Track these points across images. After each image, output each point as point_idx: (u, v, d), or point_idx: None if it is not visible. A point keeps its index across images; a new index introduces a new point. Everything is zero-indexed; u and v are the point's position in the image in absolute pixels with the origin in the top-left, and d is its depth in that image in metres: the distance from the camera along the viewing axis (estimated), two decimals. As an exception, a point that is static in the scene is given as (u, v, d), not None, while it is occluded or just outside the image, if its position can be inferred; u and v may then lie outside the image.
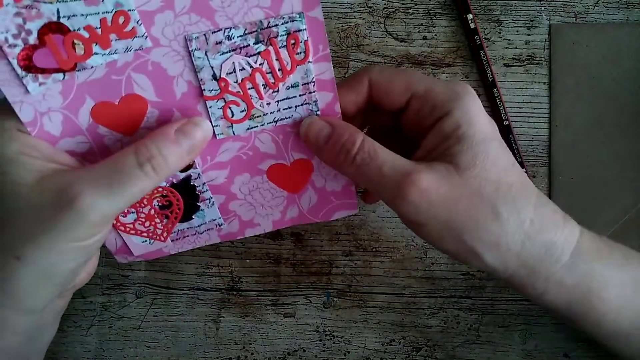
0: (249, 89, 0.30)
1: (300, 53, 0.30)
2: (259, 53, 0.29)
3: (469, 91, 0.30)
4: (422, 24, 0.42)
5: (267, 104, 0.31)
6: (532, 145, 0.41)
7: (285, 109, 0.31)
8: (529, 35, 0.41)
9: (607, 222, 0.40)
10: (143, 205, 0.33)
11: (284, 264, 0.42)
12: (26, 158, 0.27)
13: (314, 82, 0.31)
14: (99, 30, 0.26)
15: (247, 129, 0.32)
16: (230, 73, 0.29)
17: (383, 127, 0.35)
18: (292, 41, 0.29)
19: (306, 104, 0.31)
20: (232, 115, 0.31)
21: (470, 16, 0.41)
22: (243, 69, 0.29)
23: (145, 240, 0.35)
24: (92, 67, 0.27)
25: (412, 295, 0.42)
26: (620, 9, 0.41)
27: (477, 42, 0.41)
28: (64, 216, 0.26)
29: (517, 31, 0.42)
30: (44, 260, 0.27)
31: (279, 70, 0.30)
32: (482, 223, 0.28)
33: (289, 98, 0.31)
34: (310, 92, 0.31)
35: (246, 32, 0.28)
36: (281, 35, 0.29)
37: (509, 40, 0.42)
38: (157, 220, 0.34)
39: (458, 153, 0.28)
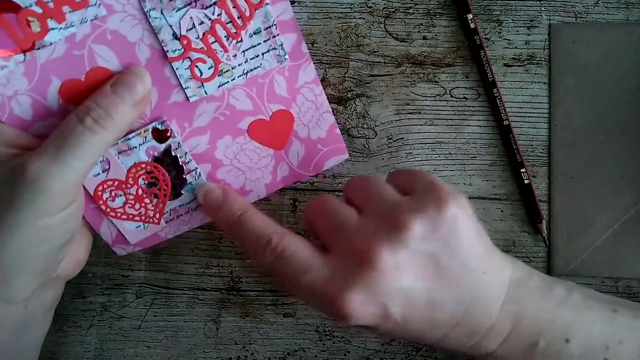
0: (212, 42, 0.29)
1: None
2: (215, 3, 0.28)
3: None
4: (422, 24, 0.42)
5: (233, 56, 0.30)
6: (532, 145, 0.41)
7: (253, 58, 0.31)
8: (529, 35, 0.41)
9: (607, 222, 0.40)
10: (129, 186, 0.32)
11: (284, 264, 0.42)
12: None
13: (275, 24, 0.30)
14: (51, 4, 0.26)
15: (219, 86, 0.31)
16: (190, 29, 0.29)
17: None
18: None
19: (272, 49, 0.31)
20: (201, 74, 0.30)
21: (470, 16, 0.41)
22: (202, 22, 0.29)
23: (139, 225, 0.34)
24: (51, 43, 0.27)
25: (412, 295, 0.42)
26: (620, 9, 0.41)
27: (477, 42, 0.41)
28: (19, 188, 0.25)
29: (517, 31, 0.42)
30: (12, 244, 0.26)
31: (238, 18, 0.29)
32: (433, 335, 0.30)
33: (254, 46, 0.30)
34: (274, 36, 0.30)
35: None
36: None
37: (509, 40, 0.42)
38: (147, 200, 0.33)
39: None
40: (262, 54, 0.31)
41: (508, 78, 0.41)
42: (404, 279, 0.28)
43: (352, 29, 0.42)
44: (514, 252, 0.42)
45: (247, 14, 0.29)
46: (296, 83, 0.32)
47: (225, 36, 0.30)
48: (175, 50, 0.29)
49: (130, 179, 0.32)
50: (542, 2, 0.41)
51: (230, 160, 0.34)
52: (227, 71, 0.31)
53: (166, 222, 0.35)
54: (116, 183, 0.32)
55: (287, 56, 0.31)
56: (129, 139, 0.31)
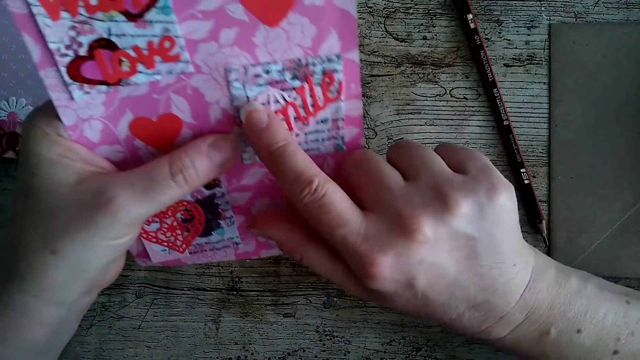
0: (280, 120, 0.31)
1: (334, 91, 0.30)
2: (294, 88, 0.30)
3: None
4: (422, 24, 0.42)
5: (295, 135, 0.32)
6: (532, 145, 0.41)
7: (313, 141, 0.32)
8: (529, 35, 0.41)
9: (607, 222, 0.40)
10: (167, 217, 0.34)
11: (284, 264, 0.42)
12: (67, 161, 0.28)
13: (343, 118, 0.31)
14: (145, 52, 0.28)
15: None
16: (264, 104, 0.30)
17: None
18: (327, 80, 0.30)
19: (333, 138, 0.32)
20: None
21: (470, 16, 0.41)
22: (277, 101, 0.30)
23: (165, 250, 0.36)
24: (135, 83, 0.29)
25: (412, 295, 0.42)
26: (620, 9, 0.41)
27: (477, 42, 0.41)
28: (99, 216, 0.27)
29: (517, 31, 0.42)
30: (78, 255, 0.28)
31: (311, 105, 0.31)
32: (450, 307, 0.30)
33: (317, 132, 0.32)
34: (339, 128, 0.32)
35: (284, 68, 0.29)
36: (317, 74, 0.29)
37: (509, 40, 0.42)
38: (179, 232, 0.35)
39: None
40: (323, 139, 0.32)
41: (508, 78, 0.41)
42: (439, 255, 0.28)
43: (352, 29, 0.42)
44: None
45: (321, 104, 0.31)
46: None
47: (294, 117, 0.31)
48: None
49: (170, 211, 0.34)
50: (542, 2, 0.41)
51: None
52: None
53: (189, 253, 0.37)
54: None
55: (344, 147, 0.32)
56: None
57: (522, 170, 0.40)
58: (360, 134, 0.32)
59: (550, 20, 0.41)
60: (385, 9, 0.42)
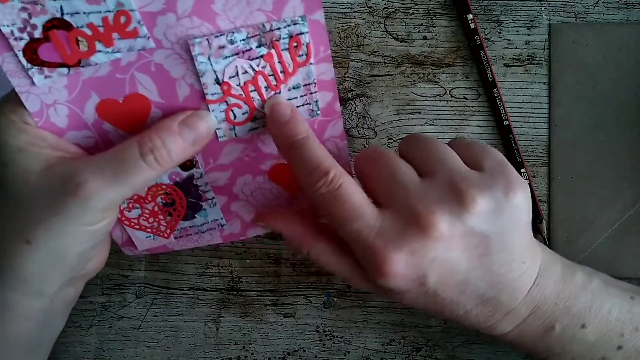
0: (251, 91, 0.30)
1: (302, 55, 0.30)
2: (261, 56, 0.29)
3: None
4: (422, 24, 0.42)
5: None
6: (532, 145, 0.41)
7: None
8: (529, 35, 0.41)
9: (607, 222, 0.40)
10: (147, 202, 0.34)
11: (284, 264, 0.42)
12: (35, 148, 0.28)
13: (314, 82, 0.31)
14: (101, 29, 0.27)
15: (249, 131, 0.32)
16: (233, 77, 0.30)
17: None
18: (294, 44, 0.29)
19: (307, 104, 0.31)
20: (235, 118, 0.31)
21: (470, 16, 0.41)
22: (246, 72, 0.30)
23: (150, 236, 0.35)
24: (96, 63, 0.28)
25: (412, 295, 0.42)
26: (620, 9, 0.41)
27: (477, 42, 0.41)
28: (70, 203, 0.27)
29: (517, 31, 0.42)
30: (53, 243, 0.28)
31: (280, 72, 0.30)
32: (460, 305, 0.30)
33: (290, 99, 0.31)
34: (312, 93, 0.31)
35: (249, 35, 0.28)
36: (283, 39, 0.29)
37: (509, 40, 0.42)
38: (161, 217, 0.34)
39: None
40: (297, 106, 0.32)
41: (508, 78, 0.41)
42: (452, 252, 0.28)
43: (352, 29, 0.42)
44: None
45: (291, 70, 0.30)
46: (322, 136, 0.33)
47: (265, 87, 0.30)
48: (215, 93, 0.30)
49: (149, 196, 0.33)
50: (542, 2, 0.41)
51: (247, 196, 0.35)
52: (260, 118, 0.32)
53: (175, 238, 0.36)
54: (135, 197, 0.33)
55: (319, 112, 0.32)
56: None
57: (522, 170, 0.40)
58: (334, 99, 0.31)
59: (550, 20, 0.41)
60: (385, 9, 0.42)
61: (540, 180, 0.41)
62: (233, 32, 0.28)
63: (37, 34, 0.26)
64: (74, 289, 0.33)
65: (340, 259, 0.30)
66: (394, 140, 0.42)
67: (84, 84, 0.29)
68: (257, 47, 0.29)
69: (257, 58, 0.29)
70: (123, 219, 0.34)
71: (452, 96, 0.42)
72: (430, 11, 0.42)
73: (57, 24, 0.26)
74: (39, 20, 0.26)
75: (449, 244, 0.28)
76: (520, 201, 0.29)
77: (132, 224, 0.34)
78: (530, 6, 0.41)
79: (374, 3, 0.42)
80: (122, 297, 0.42)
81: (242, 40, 0.28)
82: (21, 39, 0.26)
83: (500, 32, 0.42)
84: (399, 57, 0.42)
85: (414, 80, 0.42)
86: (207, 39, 0.28)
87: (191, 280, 0.42)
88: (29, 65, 0.27)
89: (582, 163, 0.41)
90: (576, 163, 0.41)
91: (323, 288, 0.42)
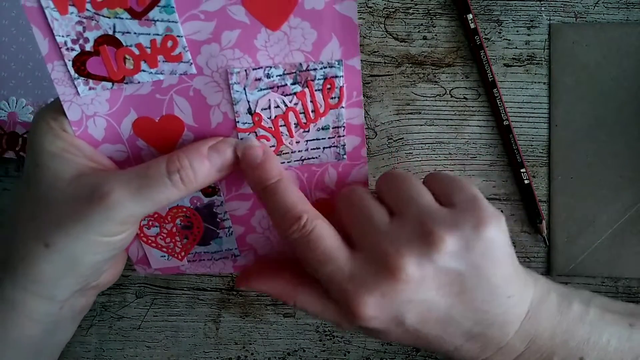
0: (281, 126, 0.31)
1: (335, 98, 0.30)
2: (294, 93, 0.30)
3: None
4: (422, 24, 0.42)
5: (296, 142, 0.32)
6: (532, 145, 0.41)
7: (314, 149, 0.32)
8: (529, 35, 0.41)
9: (607, 222, 0.40)
10: (167, 222, 0.34)
11: (284, 264, 0.42)
12: (69, 155, 0.29)
13: (344, 126, 0.31)
14: (148, 50, 0.28)
15: None
16: (265, 109, 0.30)
17: None
18: (328, 86, 0.30)
19: (334, 146, 0.32)
20: None
21: (470, 16, 0.41)
22: (278, 106, 0.30)
23: (164, 256, 0.36)
24: (139, 82, 0.29)
25: (412, 295, 0.42)
26: (620, 9, 0.41)
27: (477, 42, 0.41)
28: (93, 211, 0.27)
29: (517, 31, 0.42)
30: (71, 249, 0.28)
31: (312, 111, 0.31)
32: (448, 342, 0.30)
33: (318, 139, 0.32)
34: (340, 136, 0.32)
35: (285, 72, 0.29)
36: (318, 79, 0.30)
37: (509, 40, 0.42)
38: (178, 238, 0.35)
39: None
40: (323, 147, 0.32)
41: (508, 78, 0.41)
42: (426, 293, 0.28)
43: (352, 29, 0.42)
44: (514, 252, 0.42)
45: (322, 110, 0.31)
46: (346, 179, 0.34)
47: (294, 123, 0.31)
48: (246, 123, 0.31)
49: (170, 216, 0.34)
50: (542, 2, 0.41)
51: (264, 229, 0.36)
52: (285, 153, 0.32)
53: (188, 261, 0.37)
54: (156, 215, 0.34)
55: (345, 156, 0.33)
56: None
57: (522, 170, 0.40)
58: (362, 144, 0.32)
59: (550, 20, 0.41)
60: (385, 9, 0.42)
61: (540, 180, 0.41)
62: (271, 67, 0.29)
63: (88, 47, 0.28)
64: (85, 299, 0.33)
65: (324, 305, 0.30)
66: (394, 140, 0.42)
67: (125, 100, 0.30)
68: (291, 84, 0.30)
69: (290, 95, 0.30)
70: (142, 235, 0.35)
71: (452, 96, 0.42)
72: (430, 11, 0.42)
73: (108, 40, 0.28)
74: (91, 35, 0.27)
75: (421, 285, 0.27)
76: (493, 235, 0.28)
77: (150, 241, 0.35)
78: (530, 6, 0.41)
79: (374, 3, 0.42)
80: (122, 297, 0.42)
81: (279, 75, 0.29)
82: (73, 49, 0.28)
83: (500, 32, 0.42)
84: (399, 57, 0.42)
85: (414, 80, 0.42)
86: (246, 71, 0.29)
87: (191, 280, 0.42)
88: (76, 76, 0.28)
89: (582, 163, 0.41)
90: (576, 163, 0.41)
91: (323, 288, 0.42)
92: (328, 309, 0.30)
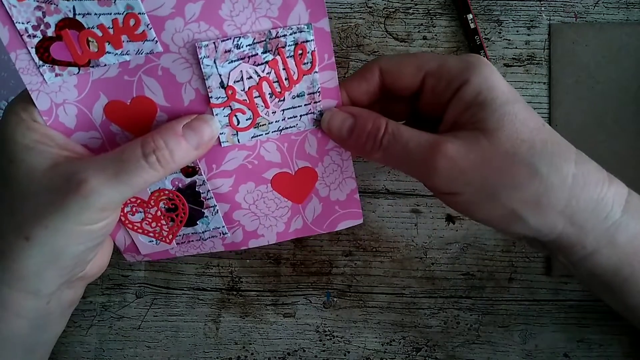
0: (256, 97, 0.30)
1: (307, 63, 0.30)
2: (266, 62, 0.30)
3: (483, 60, 0.30)
4: (422, 24, 0.42)
5: (272, 112, 0.31)
6: (532, 145, 0.41)
7: (290, 118, 0.32)
8: (529, 35, 0.41)
9: (607, 222, 0.40)
10: (150, 206, 0.34)
11: (284, 264, 0.42)
12: (42, 146, 0.28)
13: (319, 91, 0.31)
14: (111, 30, 0.27)
15: (252, 137, 0.32)
16: (238, 81, 0.30)
17: (400, 115, 0.34)
18: (300, 51, 0.30)
19: (311, 113, 0.32)
20: (238, 123, 0.31)
21: (470, 16, 0.41)
22: (250, 77, 0.30)
23: (152, 241, 0.36)
24: (105, 64, 0.28)
25: (412, 295, 0.42)
26: (620, 9, 0.41)
27: (477, 42, 0.41)
28: (71, 200, 0.27)
29: (517, 31, 0.42)
30: (52, 241, 0.28)
31: (285, 79, 0.30)
32: (520, 183, 0.27)
33: (294, 107, 0.31)
34: (316, 102, 0.31)
35: (255, 41, 0.29)
36: (289, 46, 0.29)
37: (509, 40, 0.41)
38: (163, 222, 0.35)
39: (483, 118, 0.28)
40: (300, 115, 0.32)
41: (508, 78, 0.41)
42: None
43: (352, 29, 0.42)
44: (514, 252, 0.42)
45: (295, 77, 0.30)
46: (326, 145, 0.34)
47: (269, 93, 0.31)
48: (219, 97, 0.30)
49: (152, 200, 0.34)
50: (542, 2, 0.41)
51: (249, 205, 0.35)
52: (263, 125, 0.32)
53: (177, 244, 0.36)
54: (138, 201, 0.34)
55: None
56: None
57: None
58: (339, 107, 0.32)
59: (550, 20, 0.41)
60: (385, 9, 0.42)
61: (540, 180, 0.41)
62: (239, 37, 0.28)
63: (50, 32, 0.27)
64: (73, 291, 0.33)
65: (419, 136, 0.29)
66: (394, 140, 0.42)
67: (93, 85, 0.29)
68: (262, 52, 0.29)
69: (262, 64, 0.29)
70: (127, 222, 0.34)
71: (452, 96, 0.42)
72: (430, 11, 0.42)
73: (69, 23, 0.27)
74: (52, 19, 0.27)
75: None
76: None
77: (136, 227, 0.35)
78: (530, 6, 0.41)
79: (374, 3, 0.42)
80: (122, 297, 0.42)
81: (248, 45, 0.29)
82: (34, 36, 0.27)
83: (500, 32, 0.42)
84: (399, 57, 0.42)
85: (414, 80, 0.42)
86: (214, 43, 0.28)
87: (191, 280, 0.42)
88: (41, 63, 0.28)
89: (582, 163, 0.41)
90: (576, 163, 0.41)
91: (323, 288, 0.42)
92: (421, 138, 0.29)
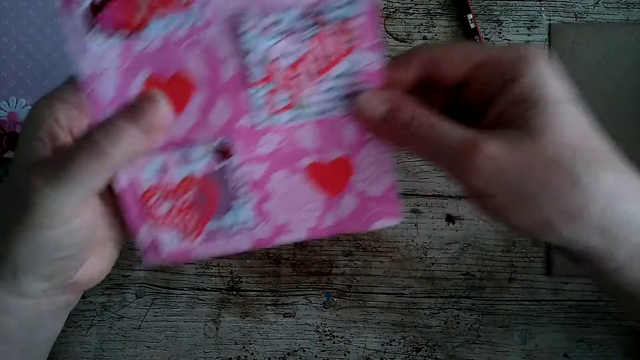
0: (295, 76, 0.30)
1: (351, 42, 0.29)
2: (309, 38, 0.29)
3: (539, 53, 0.28)
4: (422, 24, 0.42)
5: (311, 93, 0.30)
6: (532, 145, 0.41)
7: (329, 100, 0.31)
8: (529, 35, 0.41)
9: (607, 222, 0.40)
10: (177, 196, 0.33)
11: (284, 264, 0.42)
12: (39, 145, 0.28)
13: (361, 73, 0.30)
14: (156, 1, 0.28)
15: (289, 120, 0.31)
16: (278, 58, 0.29)
17: (438, 106, 0.32)
18: (343, 29, 0.29)
19: (351, 96, 0.31)
20: (275, 104, 0.31)
21: (470, 16, 0.41)
22: (292, 54, 0.29)
23: (176, 238, 0.34)
24: (149, 36, 0.29)
25: (412, 295, 0.42)
26: (620, 9, 0.41)
27: (477, 42, 0.41)
28: (21, 204, 0.27)
29: (517, 31, 0.41)
30: (20, 247, 0.28)
31: (327, 58, 0.29)
32: (560, 193, 0.26)
33: (334, 89, 0.30)
34: (357, 84, 0.30)
35: (298, 17, 0.28)
36: (333, 22, 0.28)
37: (509, 40, 0.41)
38: (190, 214, 0.33)
39: (530, 117, 0.26)
40: (340, 98, 0.30)
41: (508, 78, 0.41)
42: None
43: (352, 29, 0.42)
44: (514, 252, 0.42)
45: (337, 57, 0.29)
46: (365, 135, 0.32)
47: (309, 73, 0.30)
48: (258, 75, 0.29)
49: (181, 190, 0.32)
50: (542, 2, 0.41)
51: (281, 195, 0.34)
52: (301, 107, 0.31)
53: (201, 242, 0.35)
54: (166, 190, 0.32)
55: None
56: (190, 150, 0.32)
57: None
58: None
59: (550, 20, 0.41)
60: (385, 9, 0.42)
61: (540, 180, 0.41)
62: (283, 12, 0.28)
63: None
64: (66, 296, 0.32)
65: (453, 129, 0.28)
66: (394, 140, 0.42)
67: (136, 57, 0.29)
68: (305, 29, 0.28)
69: (304, 40, 0.29)
70: (150, 215, 0.33)
71: (452, 96, 0.42)
72: (430, 11, 0.42)
73: None
74: None
75: None
76: None
77: (159, 221, 0.33)
78: (530, 6, 0.41)
79: (374, 3, 0.42)
80: (122, 297, 0.42)
81: (291, 21, 0.28)
82: (83, 2, 0.27)
83: (500, 32, 0.42)
84: (399, 57, 0.42)
85: (414, 80, 0.42)
86: (256, 18, 0.28)
87: (191, 280, 0.42)
88: (88, 27, 0.28)
89: (582, 163, 0.41)
90: (576, 163, 0.41)
91: (323, 288, 0.42)
92: (459, 133, 0.27)
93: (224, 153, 0.32)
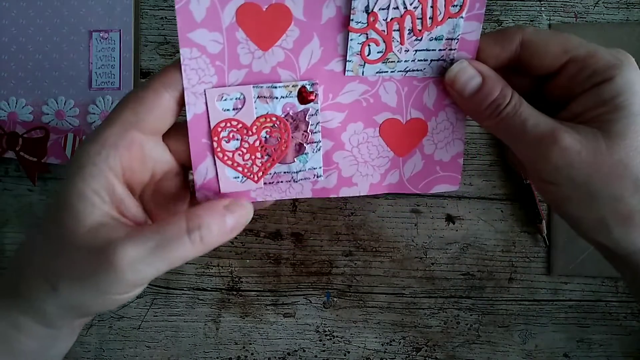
0: (395, 30, 0.30)
1: (457, 6, 0.29)
2: None
3: (632, 60, 0.29)
4: (422, 24, 0.42)
5: (405, 50, 0.30)
6: (532, 145, 0.41)
7: (421, 60, 0.31)
8: (529, 35, 0.41)
9: (607, 222, 0.40)
10: (251, 134, 0.32)
11: (284, 264, 0.42)
12: (96, 199, 0.28)
13: (458, 39, 0.30)
14: None
15: (377, 72, 0.31)
16: (383, 9, 0.29)
17: (520, 90, 0.32)
18: None
19: (442, 60, 0.31)
20: (369, 54, 0.30)
21: (470, 16, 0.40)
22: (397, 7, 0.29)
23: (238, 177, 0.33)
24: None
25: (412, 295, 0.42)
26: (620, 9, 0.41)
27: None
28: (103, 271, 0.27)
29: (517, 31, 0.41)
30: (77, 299, 0.28)
31: (429, 18, 0.29)
32: (622, 195, 0.27)
33: (428, 50, 0.30)
34: (451, 49, 0.30)
35: None
36: None
37: (509, 40, 0.41)
38: (259, 154, 0.32)
39: (611, 120, 0.27)
40: (431, 60, 0.31)
41: (508, 78, 0.41)
42: None
43: (352, 29, 0.42)
44: (514, 252, 0.42)
45: (440, 18, 0.29)
46: (445, 100, 0.32)
47: (409, 29, 0.30)
48: (360, 22, 0.29)
49: (255, 127, 0.32)
50: (542, 2, 0.41)
51: (352, 147, 0.33)
52: (392, 62, 0.31)
53: (264, 184, 0.33)
54: (239, 125, 0.32)
55: None
56: (275, 88, 0.31)
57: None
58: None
59: (550, 20, 0.41)
60: (385, 9, 0.42)
61: (540, 180, 0.41)
62: None
63: None
64: (85, 319, 0.33)
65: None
66: (394, 140, 0.42)
67: None
68: None
69: None
70: (218, 149, 0.32)
71: (452, 96, 0.42)
72: (430, 11, 0.42)
73: None
74: None
75: None
76: None
77: (225, 158, 0.32)
78: (530, 6, 0.41)
79: (374, 3, 0.42)
80: (122, 297, 0.42)
81: None
82: None
83: (500, 32, 0.42)
84: (399, 57, 0.42)
85: (414, 80, 0.42)
86: None
87: (191, 280, 0.42)
88: None
89: (582, 163, 0.41)
90: (576, 163, 0.41)
91: (323, 288, 0.42)
92: (540, 120, 0.29)
93: (306, 95, 0.31)
